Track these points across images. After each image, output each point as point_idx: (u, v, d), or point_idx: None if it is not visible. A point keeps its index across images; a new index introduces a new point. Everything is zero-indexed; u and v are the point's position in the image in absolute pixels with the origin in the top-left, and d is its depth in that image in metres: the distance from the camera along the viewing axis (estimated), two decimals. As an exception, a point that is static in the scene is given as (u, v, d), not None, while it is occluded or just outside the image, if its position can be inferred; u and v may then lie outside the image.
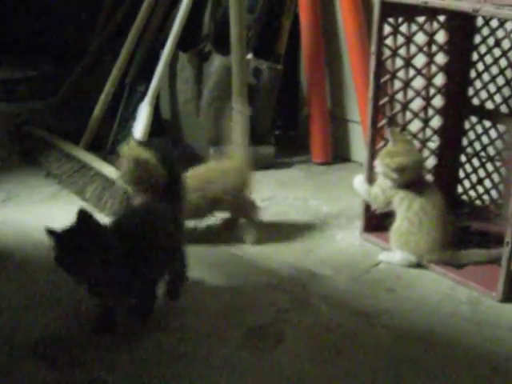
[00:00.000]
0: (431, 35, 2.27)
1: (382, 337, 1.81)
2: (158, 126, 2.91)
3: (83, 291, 1.69)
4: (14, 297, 1.93)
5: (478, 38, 2.35)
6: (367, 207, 2.31)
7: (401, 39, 2.22)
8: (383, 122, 2.26)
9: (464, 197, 2.50)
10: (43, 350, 1.71)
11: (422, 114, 2.34)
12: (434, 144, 2.41)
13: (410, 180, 2.15)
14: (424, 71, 2.31)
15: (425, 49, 2.28)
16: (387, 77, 2.23)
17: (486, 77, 2.36)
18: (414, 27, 2.23)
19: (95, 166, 2.61)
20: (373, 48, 2.18)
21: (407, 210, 2.14)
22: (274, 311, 1.90)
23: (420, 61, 2.29)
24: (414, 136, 2.34)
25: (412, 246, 2.14)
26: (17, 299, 1.92)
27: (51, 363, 1.66)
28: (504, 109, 2.34)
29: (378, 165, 2.18)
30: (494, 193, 2.42)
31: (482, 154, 2.40)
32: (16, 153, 2.97)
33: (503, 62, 2.32)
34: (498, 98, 2.35)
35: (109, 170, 2.55)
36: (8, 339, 1.74)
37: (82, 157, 2.69)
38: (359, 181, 2.27)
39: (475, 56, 2.37)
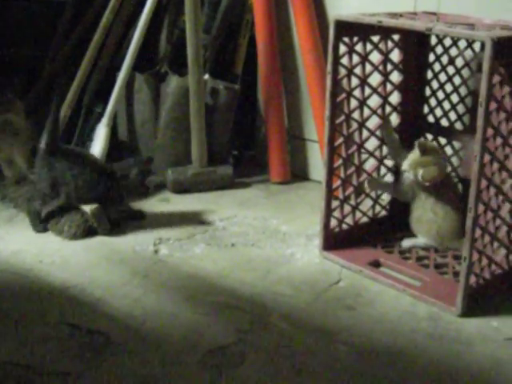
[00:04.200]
0: (386, 54, 2.30)
1: (342, 354, 1.80)
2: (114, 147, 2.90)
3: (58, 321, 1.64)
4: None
5: (432, 57, 2.39)
6: (326, 225, 2.32)
7: (356, 58, 2.24)
8: (340, 140, 2.28)
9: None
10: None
11: (378, 132, 2.36)
12: (391, 162, 2.43)
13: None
14: (380, 90, 2.33)
15: (380, 67, 2.31)
16: (343, 96, 2.25)
17: (440, 94, 2.39)
18: (369, 46, 2.26)
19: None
20: (329, 67, 2.20)
21: (435, 203, 2.26)
22: (234, 331, 1.89)
23: (375, 79, 2.32)
24: (371, 154, 2.36)
25: (433, 233, 2.27)
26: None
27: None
28: (459, 126, 2.37)
29: (406, 169, 2.26)
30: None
31: (439, 170, 2.43)
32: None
33: (457, 80, 2.35)
34: (452, 115, 2.38)
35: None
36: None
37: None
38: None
39: (430, 74, 2.41)
